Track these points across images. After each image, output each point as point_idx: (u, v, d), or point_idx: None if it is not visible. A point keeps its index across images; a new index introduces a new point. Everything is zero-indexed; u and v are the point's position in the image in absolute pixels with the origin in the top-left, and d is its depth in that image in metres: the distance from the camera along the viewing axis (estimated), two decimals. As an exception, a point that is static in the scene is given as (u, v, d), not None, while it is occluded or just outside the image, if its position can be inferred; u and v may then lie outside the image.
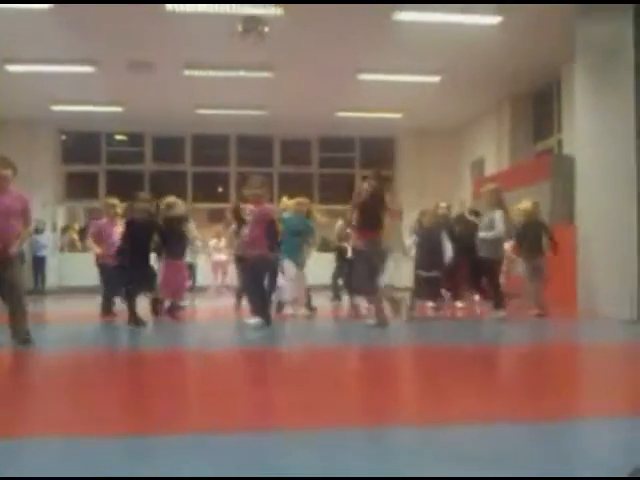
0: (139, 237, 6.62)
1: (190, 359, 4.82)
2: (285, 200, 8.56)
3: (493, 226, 7.13)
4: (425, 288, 7.50)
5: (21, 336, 5.00)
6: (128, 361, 4.77)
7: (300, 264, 7.42)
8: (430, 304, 7.88)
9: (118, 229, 7.27)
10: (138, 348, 5.51)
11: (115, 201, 7.63)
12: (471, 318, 7.17)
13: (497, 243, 7.24)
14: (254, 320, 6.36)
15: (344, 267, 8.25)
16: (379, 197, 6.54)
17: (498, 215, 7.15)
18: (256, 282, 6.58)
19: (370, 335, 6.00)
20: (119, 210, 7.44)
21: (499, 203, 7.28)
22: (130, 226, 6.71)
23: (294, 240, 7.32)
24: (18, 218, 5.04)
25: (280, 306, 7.53)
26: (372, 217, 6.48)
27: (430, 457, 2.21)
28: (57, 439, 2.44)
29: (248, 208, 6.68)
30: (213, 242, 12.27)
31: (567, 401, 3.21)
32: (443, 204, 8.27)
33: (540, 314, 7.38)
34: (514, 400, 3.22)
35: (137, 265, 6.58)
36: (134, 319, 6.47)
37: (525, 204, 7.78)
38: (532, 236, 7.62)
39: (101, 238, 7.41)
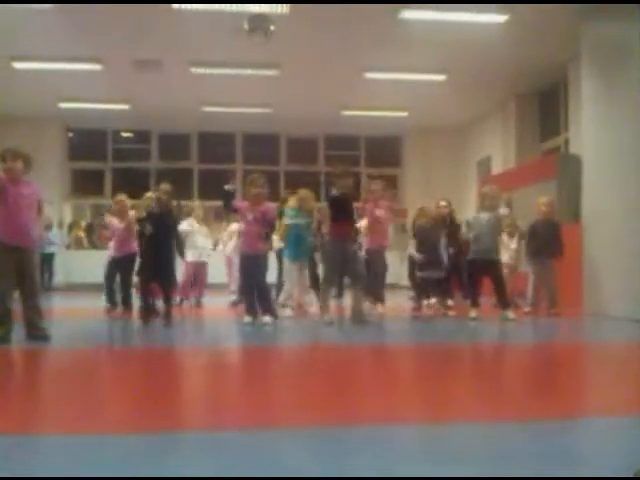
0: (152, 231, 6.59)
1: (178, 358, 4.84)
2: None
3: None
4: (426, 288, 7.50)
5: (36, 332, 4.97)
6: (129, 359, 4.79)
7: (304, 260, 7.49)
8: (432, 302, 7.84)
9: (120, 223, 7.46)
10: (141, 345, 5.53)
11: (122, 197, 7.69)
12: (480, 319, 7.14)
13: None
14: (247, 318, 6.51)
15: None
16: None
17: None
18: (249, 280, 6.65)
19: (367, 334, 6.00)
20: (126, 204, 7.53)
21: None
22: (144, 218, 6.74)
23: (299, 237, 7.37)
24: (33, 208, 5.07)
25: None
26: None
27: (429, 457, 2.21)
28: (60, 438, 2.45)
29: (249, 206, 6.63)
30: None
31: (572, 401, 3.20)
32: (443, 202, 8.17)
33: (556, 312, 7.40)
34: (518, 400, 3.22)
35: (149, 257, 6.61)
36: (144, 313, 6.52)
37: (546, 198, 7.81)
38: (547, 234, 7.61)
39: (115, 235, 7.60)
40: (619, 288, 7.26)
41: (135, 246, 7.30)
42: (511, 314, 6.85)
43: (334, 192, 6.67)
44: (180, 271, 7.93)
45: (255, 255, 6.54)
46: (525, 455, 2.24)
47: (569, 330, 6.73)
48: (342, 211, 6.67)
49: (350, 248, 6.74)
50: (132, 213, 7.37)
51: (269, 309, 6.55)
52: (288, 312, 7.31)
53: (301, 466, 2.07)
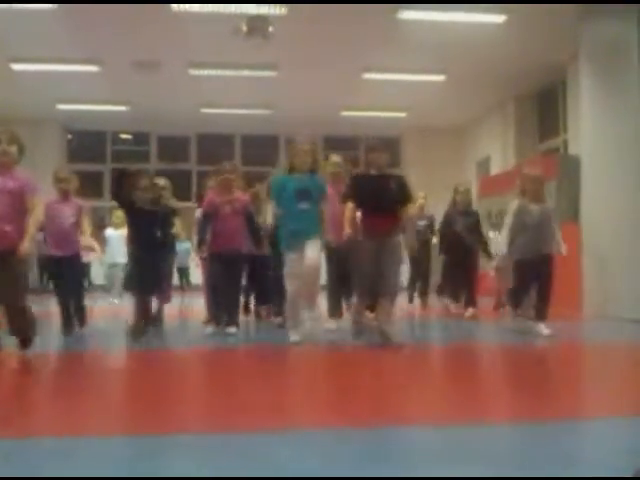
0: (141, 228, 5.79)
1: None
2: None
3: None
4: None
5: (20, 337, 4.28)
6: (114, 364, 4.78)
7: (314, 244, 5.11)
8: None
9: (70, 208, 6.05)
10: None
11: (65, 174, 6.26)
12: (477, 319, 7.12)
13: None
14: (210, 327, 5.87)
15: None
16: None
17: None
18: (224, 284, 5.84)
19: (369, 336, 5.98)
20: (72, 186, 6.24)
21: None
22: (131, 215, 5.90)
23: (298, 210, 5.13)
24: (19, 204, 4.15)
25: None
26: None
27: (430, 457, 2.21)
28: (62, 439, 2.44)
29: (220, 196, 5.95)
30: None
31: (572, 401, 3.20)
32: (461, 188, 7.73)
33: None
34: (518, 401, 3.22)
35: (141, 259, 5.74)
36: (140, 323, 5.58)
37: None
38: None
39: (50, 222, 5.89)
40: (619, 289, 7.25)
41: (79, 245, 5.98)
42: (545, 330, 5.69)
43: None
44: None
45: (234, 255, 5.74)
46: (525, 455, 2.24)
47: (569, 331, 6.72)
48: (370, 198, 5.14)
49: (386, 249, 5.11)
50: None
51: (235, 320, 5.83)
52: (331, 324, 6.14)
53: (302, 466, 2.07)
